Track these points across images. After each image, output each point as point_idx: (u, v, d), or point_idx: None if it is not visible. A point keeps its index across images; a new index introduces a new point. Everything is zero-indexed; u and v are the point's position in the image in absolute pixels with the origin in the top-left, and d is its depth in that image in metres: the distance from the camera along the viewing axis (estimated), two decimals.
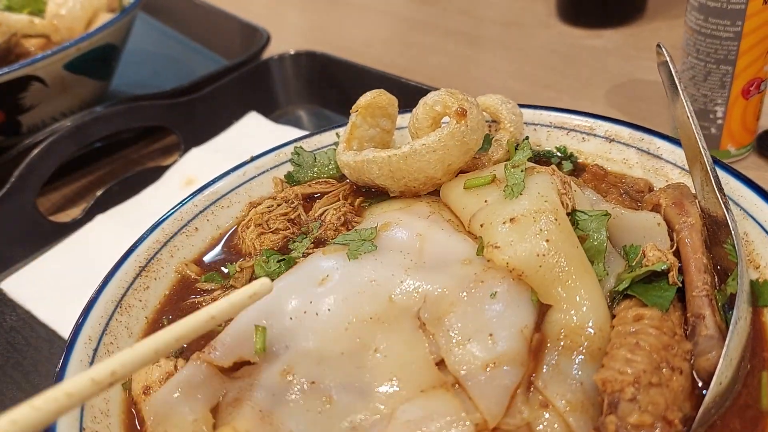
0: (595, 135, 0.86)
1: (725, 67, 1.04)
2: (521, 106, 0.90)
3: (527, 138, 0.82)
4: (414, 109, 0.83)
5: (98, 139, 1.37)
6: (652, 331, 0.60)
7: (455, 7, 1.89)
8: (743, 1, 0.97)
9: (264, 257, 0.79)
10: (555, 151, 0.88)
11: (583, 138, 0.86)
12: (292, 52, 1.50)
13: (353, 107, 0.86)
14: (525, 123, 0.90)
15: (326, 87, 1.49)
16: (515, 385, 0.58)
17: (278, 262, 0.78)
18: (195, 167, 1.32)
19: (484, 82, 1.51)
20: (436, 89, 0.82)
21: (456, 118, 0.78)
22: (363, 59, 1.55)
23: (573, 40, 1.61)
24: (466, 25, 1.79)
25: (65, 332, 0.96)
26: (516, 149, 0.81)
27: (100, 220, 1.22)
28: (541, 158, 0.87)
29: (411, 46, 1.72)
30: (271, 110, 1.49)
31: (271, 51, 1.57)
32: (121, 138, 1.46)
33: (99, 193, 1.29)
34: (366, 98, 0.85)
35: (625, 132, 0.84)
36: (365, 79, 1.39)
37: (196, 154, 1.36)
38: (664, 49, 0.77)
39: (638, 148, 0.82)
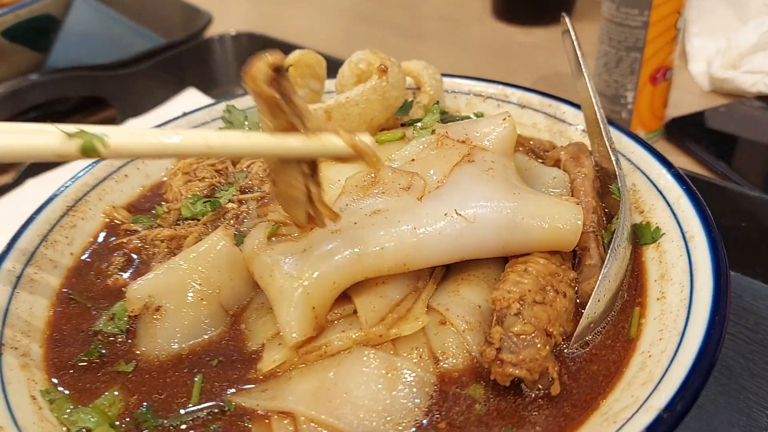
0: (508, 102, 0.92)
1: (634, 54, 1.12)
2: (444, 75, 0.96)
3: (437, 103, 0.87)
4: (341, 68, 0.88)
5: (33, 108, 1.37)
6: (541, 260, 0.66)
7: (397, 2, 1.96)
8: None
9: (191, 200, 0.82)
10: (473, 116, 0.94)
11: (498, 105, 0.93)
12: (233, 33, 1.53)
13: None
14: (446, 91, 0.96)
15: None
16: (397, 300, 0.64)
17: (204, 203, 0.81)
18: None
19: None
20: None
21: (378, 74, 0.83)
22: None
23: (505, 36, 1.70)
24: (407, 19, 1.86)
25: None
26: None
27: (31, 184, 1.22)
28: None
29: (353, 37, 1.78)
30: (211, 88, 1.52)
31: (216, 32, 1.60)
32: (57, 110, 1.46)
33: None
34: (295, 55, 0.90)
35: (535, 99, 0.91)
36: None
37: (132, 125, 1.37)
38: (566, 18, 0.85)
39: (546, 113, 0.89)
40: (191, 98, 1.47)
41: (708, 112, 1.25)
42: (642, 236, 0.72)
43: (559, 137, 0.87)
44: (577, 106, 0.86)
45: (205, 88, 1.50)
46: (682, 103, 1.33)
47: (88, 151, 0.53)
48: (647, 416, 0.50)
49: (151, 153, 0.57)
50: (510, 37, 1.69)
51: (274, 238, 0.71)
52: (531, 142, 0.87)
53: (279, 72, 0.58)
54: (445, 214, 0.65)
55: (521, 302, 0.61)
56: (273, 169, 0.63)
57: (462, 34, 1.74)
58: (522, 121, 0.91)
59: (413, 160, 0.75)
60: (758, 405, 0.75)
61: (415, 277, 0.68)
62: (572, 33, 0.83)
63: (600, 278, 0.64)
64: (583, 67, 0.81)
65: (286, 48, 1.47)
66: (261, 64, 0.57)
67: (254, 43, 1.52)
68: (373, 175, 0.72)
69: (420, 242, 0.64)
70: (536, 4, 1.70)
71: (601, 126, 0.78)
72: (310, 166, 0.62)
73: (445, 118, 0.94)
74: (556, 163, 0.80)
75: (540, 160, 0.84)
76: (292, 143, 0.59)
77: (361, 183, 0.72)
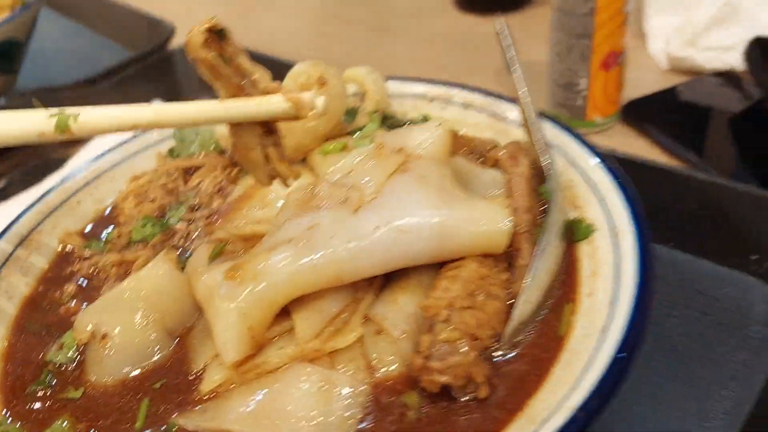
0: (452, 103, 0.93)
1: (584, 41, 1.13)
2: (390, 78, 0.97)
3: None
4: (284, 81, 0.89)
5: None
6: (473, 264, 0.67)
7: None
8: None
9: (141, 223, 0.84)
10: (419, 119, 0.95)
11: (443, 106, 0.94)
12: None
13: None
14: (393, 95, 0.97)
15: None
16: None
17: (153, 225, 0.83)
18: None
19: (386, 67, 1.58)
20: None
21: (317, 86, 0.84)
22: (271, 50, 1.61)
23: (467, 26, 1.70)
24: (371, 15, 1.86)
25: None
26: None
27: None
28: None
29: (319, 36, 1.78)
30: (176, 99, 1.52)
31: (180, 43, 1.61)
32: None
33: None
34: None
35: (477, 99, 0.92)
36: (268, 67, 1.44)
37: (100, 143, 1.38)
38: (500, 20, 0.86)
39: (489, 113, 0.90)
40: None
41: (665, 92, 1.26)
42: (576, 232, 0.73)
43: (502, 136, 0.88)
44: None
45: (171, 99, 1.51)
46: (642, 84, 1.33)
47: (62, 127, 0.63)
48: (562, 416, 0.52)
49: (112, 127, 0.66)
50: (472, 28, 1.69)
51: (219, 258, 0.73)
52: (474, 143, 0.88)
53: (219, 35, 0.62)
54: (378, 226, 0.67)
55: (450, 308, 0.62)
56: (231, 133, 0.66)
57: (426, 27, 1.74)
58: (466, 121, 0.92)
59: (351, 171, 0.76)
60: (709, 390, 0.76)
61: (354, 289, 0.69)
62: (503, 35, 0.84)
63: (527, 279, 0.65)
64: (511, 66, 0.82)
65: (252, 55, 1.50)
66: (196, 29, 0.61)
67: None
68: (312, 189, 0.73)
69: (353, 255, 0.66)
70: None
71: (530, 123, 0.79)
72: (264, 128, 0.66)
73: (392, 122, 0.95)
74: (496, 163, 0.81)
75: (481, 160, 0.85)
76: (238, 108, 0.63)
77: (299, 198, 0.73)
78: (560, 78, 1.20)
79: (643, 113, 1.21)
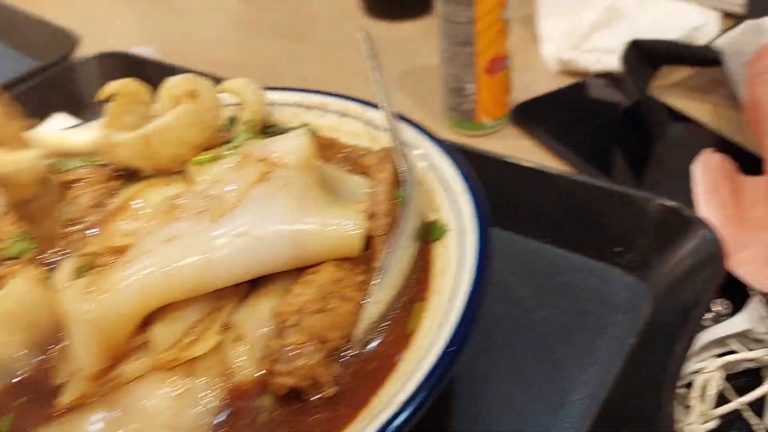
0: (329, 111, 0.96)
1: (467, 48, 1.17)
2: (269, 89, 0.99)
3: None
4: (160, 93, 0.90)
5: None
6: (330, 268, 0.70)
7: (272, 6, 1.98)
8: None
9: (15, 239, 0.84)
10: (300, 126, 0.97)
11: (321, 114, 0.96)
12: (97, 54, 1.53)
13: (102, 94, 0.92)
14: (274, 104, 0.99)
15: None
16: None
17: (27, 241, 0.83)
18: None
19: (302, 72, 1.61)
20: None
21: (188, 99, 0.86)
22: (187, 60, 1.61)
23: (374, 32, 1.72)
24: (291, 22, 1.88)
25: None
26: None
27: None
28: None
29: (237, 44, 1.79)
30: (81, 110, 1.52)
31: (86, 53, 1.60)
32: None
33: None
34: (112, 87, 0.92)
35: (353, 107, 0.95)
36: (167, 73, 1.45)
37: None
38: (362, 34, 0.89)
39: (364, 120, 0.93)
40: (60, 122, 1.46)
41: (551, 94, 1.32)
42: (432, 233, 0.76)
43: (376, 143, 0.91)
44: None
45: (76, 110, 1.50)
46: (535, 86, 1.39)
47: None
48: (389, 411, 0.55)
49: None
50: (380, 33, 1.72)
51: (87, 272, 0.74)
52: (348, 150, 0.91)
53: None
54: (235, 235, 0.69)
55: (300, 313, 0.65)
56: None
57: (336, 33, 1.77)
58: (342, 128, 0.94)
59: (216, 182, 0.78)
60: (571, 374, 0.81)
61: (217, 297, 0.71)
62: (365, 44, 0.87)
63: (375, 281, 0.68)
64: (372, 73, 0.85)
65: (153, 67, 1.50)
66: None
67: (120, 63, 1.52)
68: (174, 200, 0.75)
69: (210, 265, 0.68)
70: None
71: (390, 129, 0.82)
72: None
73: (274, 130, 0.98)
74: (365, 170, 0.85)
75: (353, 167, 0.88)
76: None
77: (163, 209, 0.75)
78: (450, 83, 1.24)
79: (530, 115, 1.27)
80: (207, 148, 0.90)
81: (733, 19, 1.42)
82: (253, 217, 0.70)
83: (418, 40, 1.67)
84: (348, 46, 1.75)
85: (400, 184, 0.80)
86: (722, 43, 1.12)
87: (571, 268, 0.95)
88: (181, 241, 0.70)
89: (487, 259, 0.66)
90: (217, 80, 1.06)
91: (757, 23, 0.91)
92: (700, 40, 1.35)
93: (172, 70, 1.47)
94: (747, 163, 1.00)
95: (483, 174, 1.02)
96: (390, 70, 1.57)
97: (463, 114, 1.25)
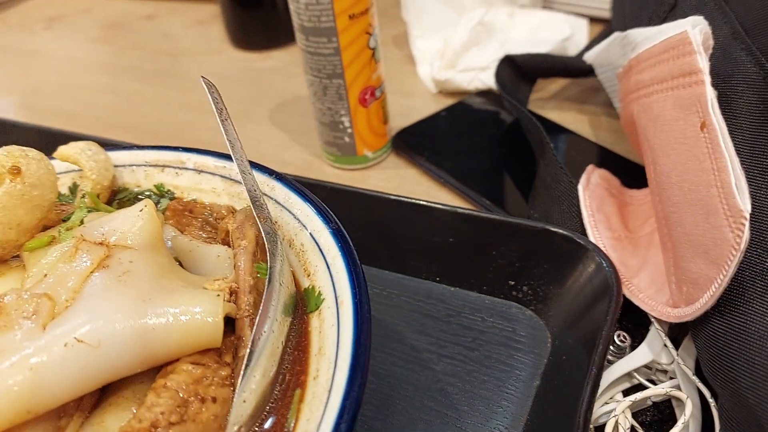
0: (186, 168, 0.86)
1: (337, 80, 1.10)
2: (113, 148, 0.88)
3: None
4: None
5: None
6: (187, 367, 0.60)
7: (129, 43, 1.84)
8: (331, 19, 1.03)
9: None
10: (154, 189, 0.87)
11: (176, 173, 0.86)
12: None
13: None
14: (123, 165, 0.88)
15: None
16: None
17: None
18: None
19: (153, 116, 1.48)
20: (81, 137, 0.86)
21: (11, 176, 0.74)
22: (30, 109, 1.47)
23: (244, 63, 1.64)
24: (140, 60, 1.74)
25: None
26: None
27: None
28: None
29: (82, 88, 1.64)
30: None
31: None
32: None
33: None
34: None
35: (210, 162, 0.85)
36: (35, 137, 1.29)
37: None
38: (205, 80, 0.80)
39: (222, 176, 0.84)
40: None
41: (431, 118, 1.26)
42: (308, 303, 0.68)
43: (237, 200, 0.82)
44: (253, 164, 0.81)
45: None
46: (415, 110, 1.34)
47: None
48: None
49: None
50: (248, 64, 1.63)
51: None
52: (207, 211, 0.81)
53: None
54: (66, 343, 0.58)
55: (154, 429, 0.55)
56: None
57: (199, 68, 1.66)
58: (201, 186, 0.84)
59: (46, 275, 0.66)
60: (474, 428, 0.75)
61: (57, 415, 0.60)
62: (212, 93, 0.78)
63: (241, 376, 0.59)
64: (221, 124, 0.76)
65: (15, 125, 1.34)
66: None
67: None
68: None
69: (38, 382, 0.56)
70: (267, 27, 1.65)
71: (244, 183, 0.73)
72: None
73: (123, 196, 0.87)
74: (227, 236, 0.75)
75: (214, 233, 0.78)
76: None
77: None
78: (323, 117, 1.16)
79: (412, 142, 1.21)
80: (46, 227, 0.78)
81: (601, 23, 1.43)
82: (87, 316, 0.59)
83: (290, 68, 1.59)
84: (214, 79, 1.64)
85: (264, 251, 0.71)
86: (591, 55, 1.10)
87: (468, 308, 0.90)
88: (5, 356, 0.58)
89: (365, 341, 0.58)
90: (67, 137, 0.95)
91: (623, 35, 0.88)
92: (571, 49, 1.34)
93: (13, 128, 1.32)
94: (630, 174, 0.98)
95: (364, 213, 0.95)
96: (263, 104, 1.48)
97: (343, 149, 1.18)
